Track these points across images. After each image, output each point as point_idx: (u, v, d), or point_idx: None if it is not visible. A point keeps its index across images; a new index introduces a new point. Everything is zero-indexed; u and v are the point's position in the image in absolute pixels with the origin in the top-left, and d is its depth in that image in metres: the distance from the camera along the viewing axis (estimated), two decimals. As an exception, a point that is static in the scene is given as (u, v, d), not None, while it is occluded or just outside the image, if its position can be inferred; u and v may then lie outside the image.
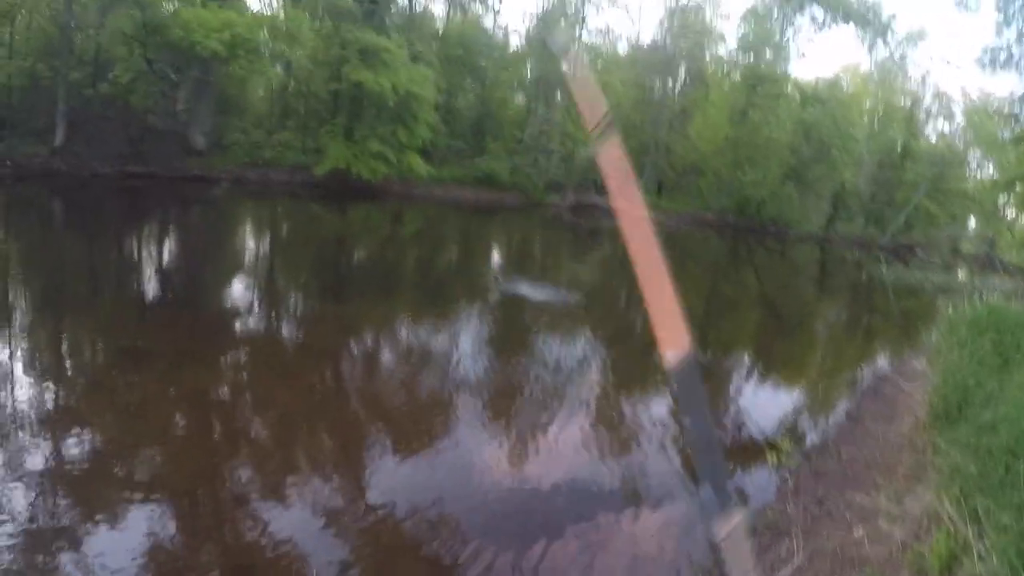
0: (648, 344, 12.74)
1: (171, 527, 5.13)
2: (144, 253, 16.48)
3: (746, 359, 14.26)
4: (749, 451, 8.39)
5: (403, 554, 5.32)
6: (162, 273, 14.60)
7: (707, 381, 11.28)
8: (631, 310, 17.72)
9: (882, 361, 15.14)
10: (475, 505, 6.10)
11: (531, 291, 16.63)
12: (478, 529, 5.67)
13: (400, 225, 30.23)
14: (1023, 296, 19.11)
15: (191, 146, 31.31)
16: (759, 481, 7.43)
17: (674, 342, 1.23)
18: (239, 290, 13.83)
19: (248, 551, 5.01)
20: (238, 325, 11.31)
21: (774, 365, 13.94)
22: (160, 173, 28.30)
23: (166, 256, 16.51)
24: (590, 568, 5.42)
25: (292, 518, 5.45)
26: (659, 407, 9.62)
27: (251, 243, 20.53)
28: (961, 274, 38.49)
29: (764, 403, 10.66)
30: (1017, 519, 4.18)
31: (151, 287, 13.40)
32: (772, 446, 8.18)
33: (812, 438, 9.06)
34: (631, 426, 8.73)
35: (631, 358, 12.49)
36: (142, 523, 5.11)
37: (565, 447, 7.70)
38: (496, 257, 24.87)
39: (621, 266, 26.87)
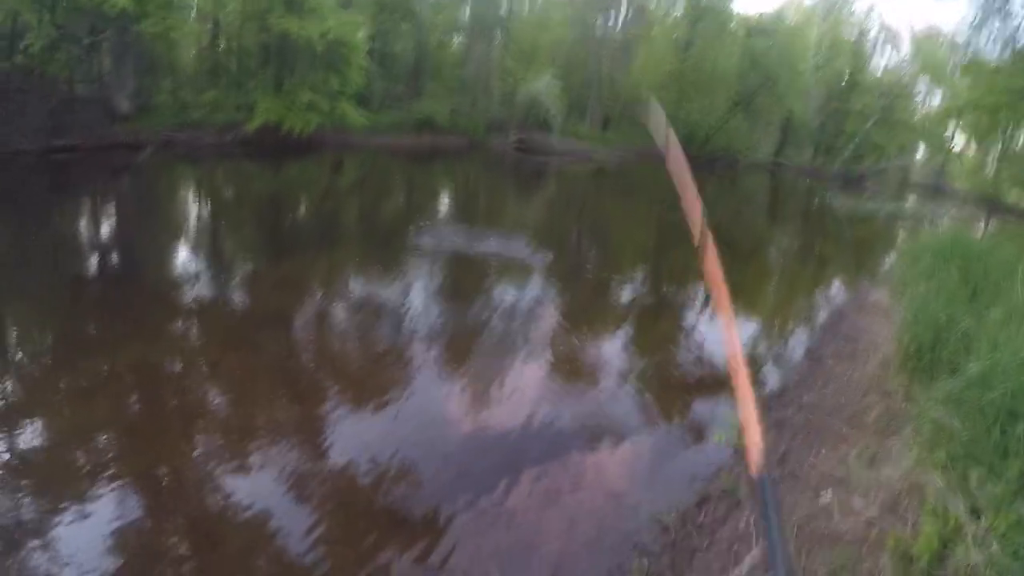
0: (599, 283, 12.00)
1: (133, 507, 4.97)
2: (70, 230, 15.01)
3: (698, 293, 13.54)
4: (703, 396, 7.77)
5: (367, 511, 5.21)
6: (92, 249, 13.45)
7: (660, 318, 10.77)
8: (581, 250, 17.00)
9: (840, 293, 14.53)
10: (436, 454, 6.04)
11: (477, 236, 15.93)
12: (441, 479, 5.65)
13: (337, 177, 29.00)
14: (975, 221, 18.97)
15: (116, 111, 29.41)
16: (714, 428, 6.68)
17: (755, 457, 1.27)
18: (174, 259, 12.83)
19: (213, 522, 4.93)
20: (177, 295, 10.46)
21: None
22: (85, 144, 26.22)
23: (94, 231, 15.16)
24: (562, 509, 5.40)
25: (254, 485, 5.34)
26: (613, 345, 9.44)
27: (180, 209, 18.94)
28: (911, 202, 38.55)
29: (718, 340, 9.82)
30: (1018, 494, 3.42)
31: (82, 265, 12.28)
32: (728, 391, 7.47)
33: (770, 382, 8.33)
34: (587, 366, 8.52)
35: (584, 299, 11.90)
36: (104, 507, 4.91)
37: (524, 390, 7.55)
38: (438, 203, 23.86)
39: (567, 206, 26.18)
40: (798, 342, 10.21)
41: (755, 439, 1.33)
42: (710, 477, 5.82)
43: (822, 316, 11.78)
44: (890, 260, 18.63)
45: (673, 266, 16.14)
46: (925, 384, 5.44)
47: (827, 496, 4.67)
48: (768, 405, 7.27)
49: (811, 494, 4.92)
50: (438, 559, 4.72)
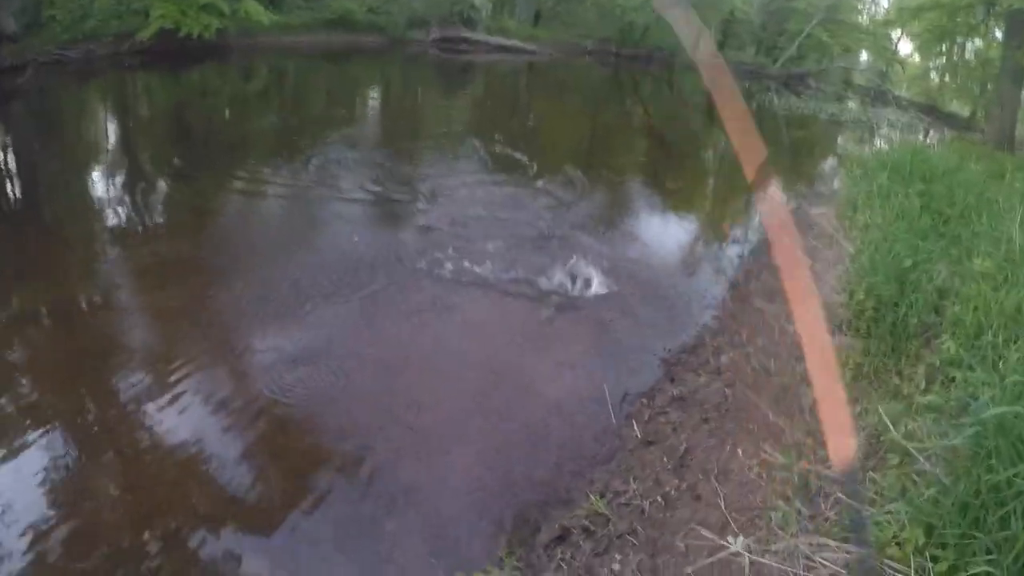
0: (538, 166, 12.62)
1: (62, 455, 4.72)
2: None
3: (623, 199, 12.34)
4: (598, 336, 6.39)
5: (299, 428, 5.09)
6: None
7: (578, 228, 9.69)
8: (516, 138, 15.97)
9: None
10: (374, 370, 5.86)
11: (400, 137, 15.46)
12: (376, 389, 5.56)
13: (243, 83, 26.48)
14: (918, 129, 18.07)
15: (2, 33, 26.42)
16: (591, 413, 5.12)
17: (843, 450, 1.30)
18: (72, 188, 11.38)
19: (143, 457, 4.75)
20: (84, 226, 9.51)
21: (652, 207, 12.07)
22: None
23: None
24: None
25: (185, 423, 5.04)
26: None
27: (69, 133, 16.56)
28: (853, 105, 37.61)
29: (634, 257, 8.73)
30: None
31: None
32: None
33: (682, 330, 6.68)
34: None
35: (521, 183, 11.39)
36: (32, 457, 4.65)
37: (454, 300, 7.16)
38: (359, 106, 22.31)
39: (500, 99, 24.55)
40: (722, 269, 8.62)
41: (842, 430, 1.20)
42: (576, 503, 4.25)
43: (754, 235, 10.12)
44: (833, 166, 17.24)
45: (593, 170, 14.41)
46: (887, 358, 3.85)
47: (736, 545, 3.06)
48: (673, 368, 5.66)
49: (719, 531, 3.34)
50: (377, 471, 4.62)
